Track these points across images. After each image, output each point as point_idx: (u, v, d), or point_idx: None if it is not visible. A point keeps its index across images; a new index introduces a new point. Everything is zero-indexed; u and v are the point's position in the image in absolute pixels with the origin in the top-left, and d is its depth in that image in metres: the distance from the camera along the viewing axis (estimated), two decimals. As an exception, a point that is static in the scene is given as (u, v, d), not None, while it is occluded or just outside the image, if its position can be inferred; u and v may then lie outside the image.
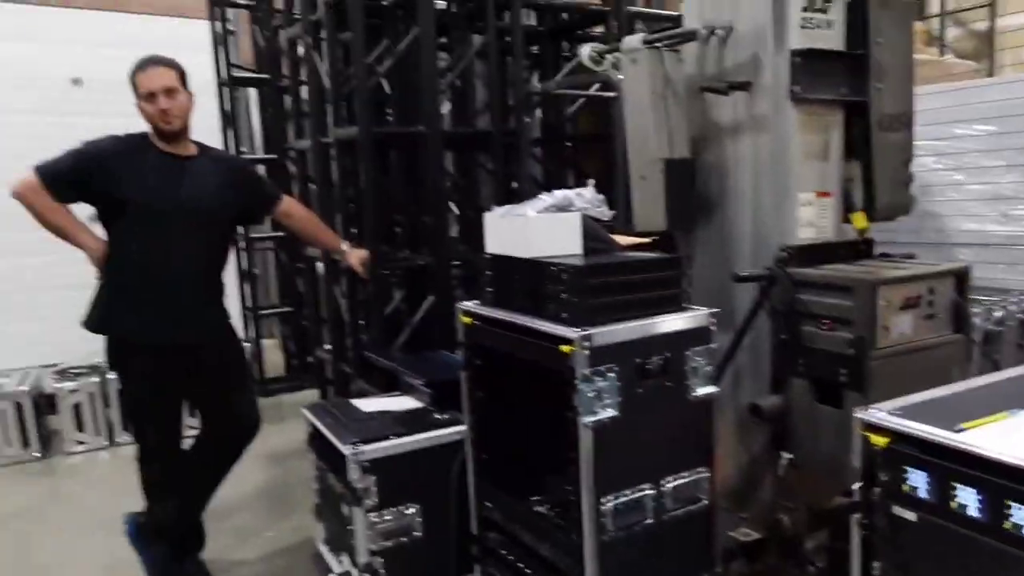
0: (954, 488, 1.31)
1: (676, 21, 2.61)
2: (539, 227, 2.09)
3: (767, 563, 2.29)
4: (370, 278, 3.27)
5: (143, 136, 2.64)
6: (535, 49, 4.15)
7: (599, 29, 4.02)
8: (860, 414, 1.46)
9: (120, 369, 2.76)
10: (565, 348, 1.86)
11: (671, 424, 2.00)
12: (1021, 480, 1.21)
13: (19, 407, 4.43)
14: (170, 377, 2.67)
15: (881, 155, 2.34)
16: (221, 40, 5.30)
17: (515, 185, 3.64)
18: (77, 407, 4.53)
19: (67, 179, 2.53)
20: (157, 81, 2.55)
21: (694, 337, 2.02)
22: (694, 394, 2.02)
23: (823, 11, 2.28)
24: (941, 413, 1.44)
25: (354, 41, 3.08)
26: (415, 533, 2.44)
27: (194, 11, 6.39)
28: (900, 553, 1.41)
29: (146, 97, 2.56)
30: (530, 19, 4.16)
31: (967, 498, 1.29)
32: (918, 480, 1.37)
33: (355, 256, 3.14)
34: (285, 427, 4.59)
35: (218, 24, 5.29)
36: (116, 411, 4.58)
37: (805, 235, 2.32)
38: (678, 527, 2.02)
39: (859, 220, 2.37)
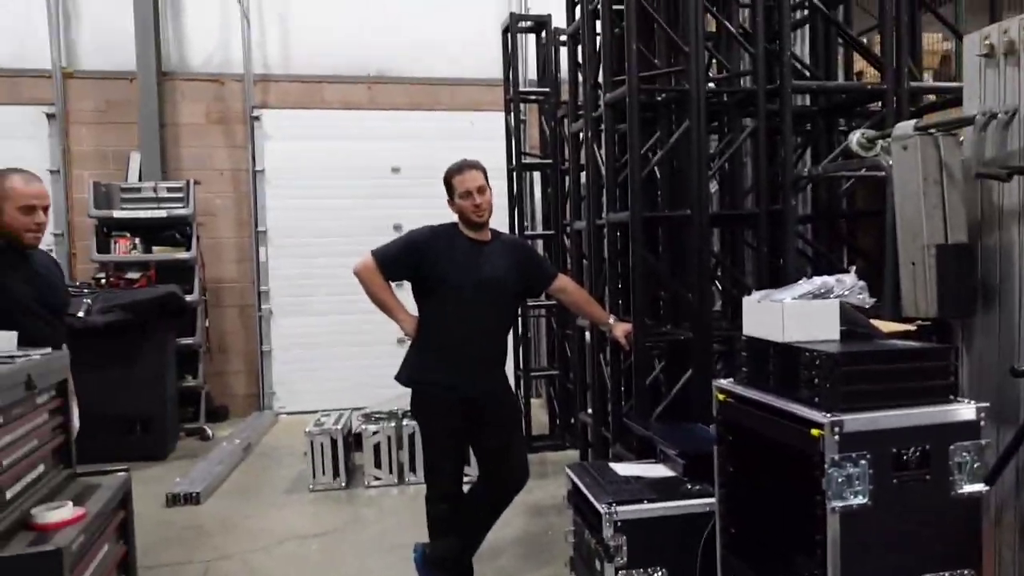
0: None
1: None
2: (795, 313, 2.17)
3: None
4: (633, 349, 3.49)
5: (453, 226, 3.17)
6: (808, 127, 4.17)
7: (878, 104, 3.94)
8: None
9: (423, 418, 3.24)
10: (815, 432, 1.91)
11: (930, 520, 1.93)
12: None
13: (334, 443, 5.26)
14: (462, 427, 3.10)
15: None
16: (513, 130, 5.96)
17: (781, 263, 3.67)
18: (377, 447, 5.26)
19: (397, 264, 3.10)
20: (472, 182, 3.07)
21: (961, 431, 1.95)
22: (958, 491, 1.94)
23: None
24: None
25: (630, 135, 3.40)
26: (663, 597, 2.56)
27: (491, 105, 7.32)
28: None
29: (463, 195, 3.08)
30: (804, 100, 4.20)
31: None
32: None
33: (620, 329, 3.40)
34: (547, 483, 4.93)
35: (511, 117, 5.96)
36: (407, 453, 5.24)
37: (1106, 330, 2.12)
38: (939, 631, 1.93)
39: None
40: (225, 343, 7.65)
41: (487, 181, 3.13)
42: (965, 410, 1.96)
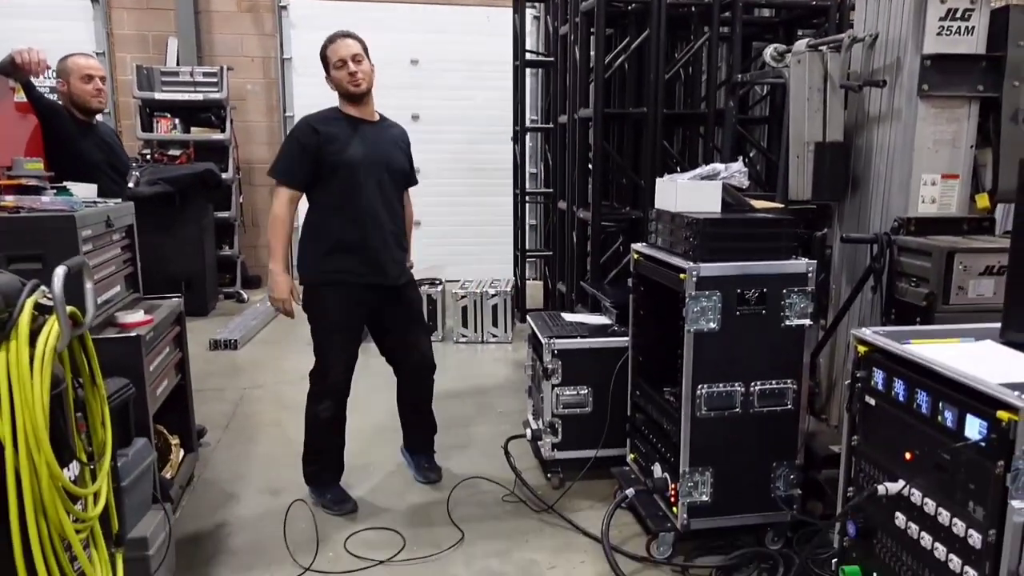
0: (894, 382, 1.87)
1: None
2: (685, 190, 2.81)
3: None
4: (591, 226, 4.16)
5: (332, 110, 3.11)
6: (770, 37, 4.65)
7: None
8: (853, 330, 2.04)
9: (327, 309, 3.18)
10: (682, 276, 2.60)
11: (763, 344, 2.64)
12: (925, 374, 1.76)
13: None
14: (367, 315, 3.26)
15: (1009, 145, 2.65)
16: (519, 30, 6.42)
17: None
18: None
19: (300, 171, 3.05)
20: (346, 50, 2.98)
21: (792, 280, 2.62)
22: (787, 323, 2.64)
23: (965, 19, 2.65)
24: (922, 335, 1.96)
25: (596, 42, 3.95)
26: (585, 408, 3.34)
27: (506, 1, 7.70)
28: (866, 429, 2.00)
29: (337, 65, 2.99)
30: (769, 12, 4.67)
31: (899, 388, 1.85)
32: (878, 377, 1.94)
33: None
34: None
35: (517, 16, 6.41)
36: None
37: (925, 210, 2.74)
38: (762, 421, 2.67)
39: (981, 200, 2.72)
40: (258, 219, 8.44)
41: (367, 55, 3.05)
42: (797, 265, 2.63)
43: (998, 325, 2.01)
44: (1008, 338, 1.91)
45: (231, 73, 7.62)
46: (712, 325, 2.59)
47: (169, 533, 2.62)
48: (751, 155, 4.76)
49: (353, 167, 3.03)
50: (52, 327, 1.89)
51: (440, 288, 6.14)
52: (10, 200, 2.61)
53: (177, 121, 7.43)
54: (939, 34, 2.65)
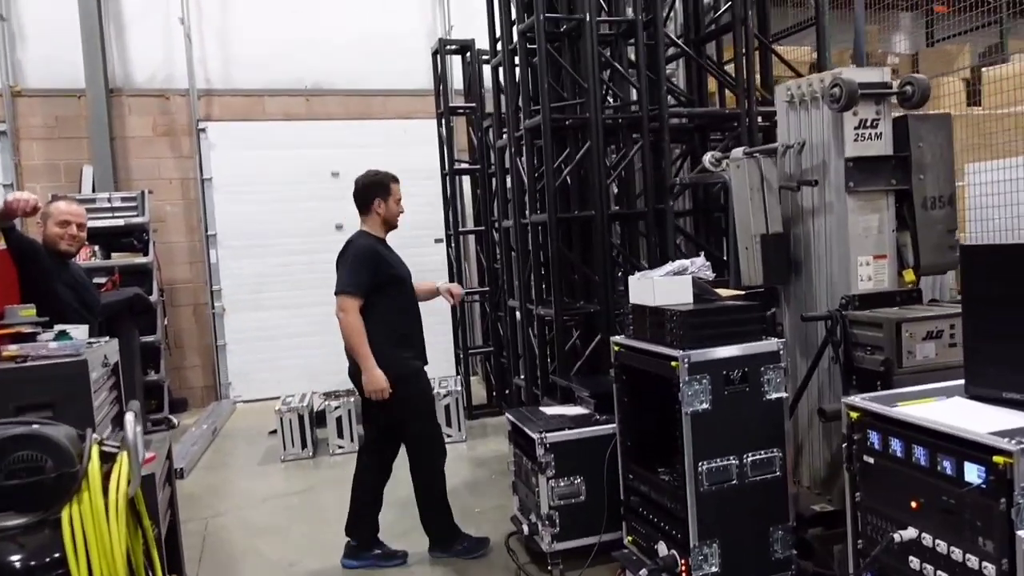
0: (890, 441, 2.17)
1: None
2: (661, 286, 3.12)
3: (837, 530, 3.07)
4: (555, 322, 4.42)
5: (366, 235, 3.75)
6: (686, 139, 5.19)
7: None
8: (844, 399, 2.34)
9: (422, 398, 3.90)
10: (674, 364, 2.87)
11: (750, 417, 2.92)
12: (920, 432, 2.07)
13: (301, 419, 6.03)
14: None
15: (924, 227, 3.14)
16: (445, 140, 6.80)
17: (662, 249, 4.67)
18: (339, 420, 6.06)
19: (365, 283, 3.66)
20: (400, 195, 3.81)
21: (768, 358, 2.94)
22: (767, 397, 2.94)
23: (874, 127, 3.15)
24: (902, 398, 2.29)
25: (545, 155, 4.32)
26: (580, 497, 3.50)
27: (422, 113, 8.14)
28: (867, 486, 2.27)
29: (398, 202, 3.78)
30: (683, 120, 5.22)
31: (896, 446, 2.15)
32: (874, 438, 2.24)
33: None
34: (487, 441, 5.88)
35: (443, 128, 6.80)
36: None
37: (864, 287, 3.15)
38: (756, 489, 2.92)
39: (908, 275, 3.17)
40: (181, 339, 8.25)
41: None
42: (770, 345, 2.95)
43: (953, 383, 2.38)
44: (971, 393, 2.26)
45: (150, 196, 7.58)
46: (705, 405, 2.86)
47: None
48: (678, 243, 5.20)
49: (406, 279, 3.81)
50: (121, 472, 1.93)
51: (389, 393, 6.18)
52: (14, 349, 2.59)
53: (96, 248, 7.28)
54: (855, 140, 3.13)
